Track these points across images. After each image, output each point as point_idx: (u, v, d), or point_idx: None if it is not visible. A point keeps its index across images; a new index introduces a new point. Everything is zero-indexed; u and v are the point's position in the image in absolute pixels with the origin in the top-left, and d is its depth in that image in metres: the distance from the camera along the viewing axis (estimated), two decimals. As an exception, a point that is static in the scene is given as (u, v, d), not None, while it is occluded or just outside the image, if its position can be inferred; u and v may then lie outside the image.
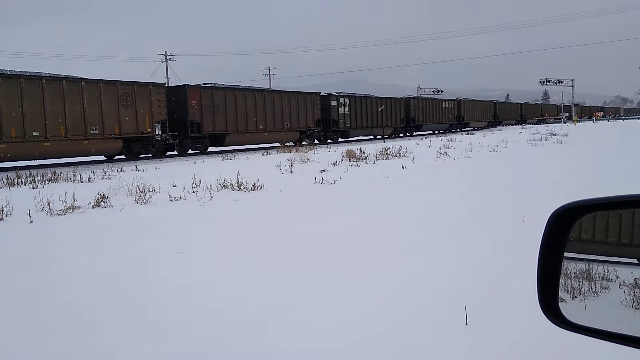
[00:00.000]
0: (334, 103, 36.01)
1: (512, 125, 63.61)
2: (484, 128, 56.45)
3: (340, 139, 36.82)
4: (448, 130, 50.73)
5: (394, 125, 42.79)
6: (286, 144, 29.12)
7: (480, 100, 63.13)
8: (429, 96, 54.37)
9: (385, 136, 40.92)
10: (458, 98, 56.45)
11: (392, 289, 4.14)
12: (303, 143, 27.97)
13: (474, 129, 53.72)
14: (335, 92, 37.32)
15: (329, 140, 35.53)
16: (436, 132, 48.20)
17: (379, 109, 39.55)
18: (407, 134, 44.81)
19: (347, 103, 37.10)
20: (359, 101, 38.45)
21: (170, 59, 64.02)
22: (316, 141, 33.59)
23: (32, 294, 4.37)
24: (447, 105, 51.85)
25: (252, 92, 29.99)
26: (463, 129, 52.47)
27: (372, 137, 40.30)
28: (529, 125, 58.04)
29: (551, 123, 64.03)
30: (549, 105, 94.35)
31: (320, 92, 36.39)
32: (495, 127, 59.05)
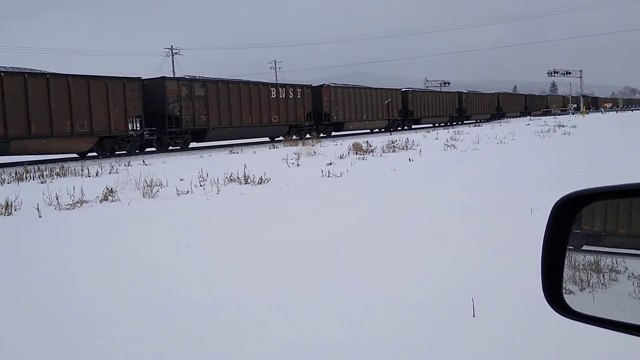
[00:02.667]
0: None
1: (516, 117, 62.59)
2: (487, 121, 55.47)
3: (333, 133, 34.59)
4: (449, 123, 49.39)
5: (391, 118, 40.47)
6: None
7: (483, 93, 61.91)
8: (429, 89, 53.05)
9: (382, 130, 39.62)
10: (459, 91, 55.48)
11: (399, 282, 4.15)
12: (293, 137, 27.19)
13: (476, 122, 52.79)
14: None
15: (321, 135, 32.43)
16: (436, 125, 47.02)
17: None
18: (405, 127, 42.90)
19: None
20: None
21: (176, 53, 64.09)
22: (307, 135, 31.23)
23: (42, 288, 4.41)
24: (447, 98, 50.29)
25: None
26: (465, 122, 51.40)
27: (368, 130, 38.80)
28: (535, 117, 57.58)
29: (558, 115, 63.43)
30: (555, 96, 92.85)
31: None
32: (498, 119, 58.01)
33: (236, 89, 28.24)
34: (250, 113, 28.77)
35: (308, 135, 30.78)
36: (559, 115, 62.85)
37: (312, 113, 33.15)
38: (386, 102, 38.96)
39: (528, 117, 57.52)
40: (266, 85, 30.87)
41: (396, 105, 40.99)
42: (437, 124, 47.85)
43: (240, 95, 28.25)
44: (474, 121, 53.80)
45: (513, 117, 61.57)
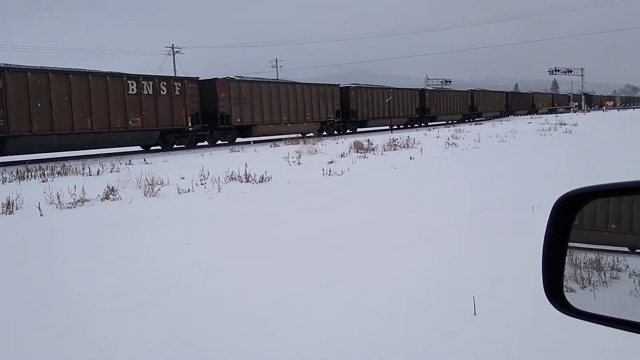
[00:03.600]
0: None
1: (523, 115, 63.80)
2: (497, 118, 56.83)
3: (358, 130, 37.67)
4: (462, 120, 51.51)
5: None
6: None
7: (493, 91, 63.75)
8: (443, 87, 55.32)
9: (401, 126, 43.38)
10: (471, 89, 57.18)
11: (399, 281, 4.15)
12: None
13: (486, 119, 54.19)
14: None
15: (348, 131, 36.54)
16: (450, 122, 48.77)
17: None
18: (422, 124, 45.84)
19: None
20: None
21: (177, 51, 64.07)
22: (335, 132, 34.82)
23: (43, 287, 4.42)
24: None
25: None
26: (476, 119, 53.03)
27: (388, 127, 41.27)
28: (538, 115, 58.19)
29: (560, 112, 63.77)
30: (559, 95, 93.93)
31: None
32: (507, 117, 59.27)
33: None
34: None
35: (336, 132, 34.79)
36: (561, 113, 63.23)
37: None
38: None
39: (530, 116, 57.55)
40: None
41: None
42: (450, 121, 49.04)
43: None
44: (484, 118, 55.22)
45: (520, 115, 62.65)
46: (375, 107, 39.17)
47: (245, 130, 28.96)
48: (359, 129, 37.70)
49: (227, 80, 28.14)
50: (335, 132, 34.91)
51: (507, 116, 59.94)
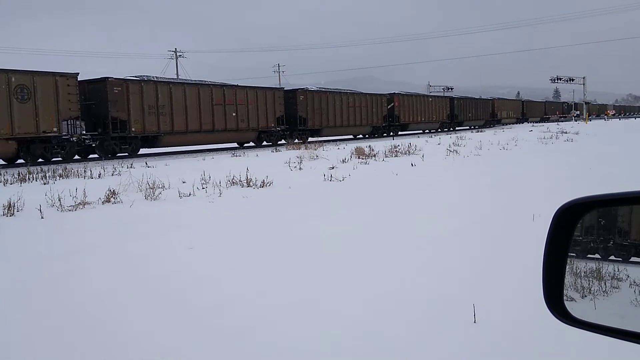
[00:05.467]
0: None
1: (512, 124, 61.97)
2: (481, 127, 53.93)
3: (310, 139, 32.35)
4: (439, 129, 47.85)
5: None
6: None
7: (477, 98, 60.51)
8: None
9: (367, 135, 39.70)
10: (450, 96, 56.27)
11: (398, 288, 4.14)
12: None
13: (470, 129, 51.19)
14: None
15: (296, 140, 29.22)
16: (426, 131, 45.50)
17: (388, 107, 39.27)
18: (391, 134, 40.67)
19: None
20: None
21: (180, 55, 64.26)
22: (282, 141, 30.90)
23: (43, 289, 4.42)
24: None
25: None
26: (457, 128, 50.09)
27: (351, 136, 38.68)
28: (530, 124, 58.41)
29: (561, 121, 63.67)
30: (553, 102, 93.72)
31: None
32: (492, 126, 56.62)
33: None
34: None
35: (282, 141, 31.80)
36: (561, 121, 63.29)
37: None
38: (389, 107, 39.35)
39: (531, 124, 57.48)
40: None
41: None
42: (425, 131, 46.06)
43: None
44: (467, 127, 52.96)
45: (509, 124, 61.10)
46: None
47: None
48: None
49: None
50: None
51: (492, 125, 57.37)
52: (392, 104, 41.34)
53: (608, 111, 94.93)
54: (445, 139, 26.59)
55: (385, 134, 40.91)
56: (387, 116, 41.01)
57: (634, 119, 70.79)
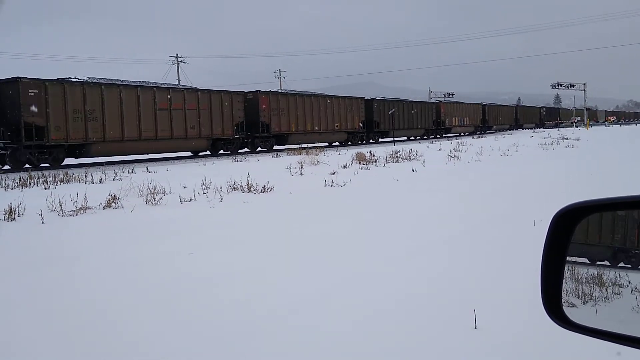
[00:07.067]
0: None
1: (505, 130, 60.97)
2: (471, 134, 53.00)
3: (380, 140, 39.58)
4: (423, 137, 46.38)
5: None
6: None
7: (466, 103, 58.53)
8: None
9: (418, 137, 45.27)
10: (437, 100, 58.41)
11: (400, 293, 4.14)
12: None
13: (460, 134, 51.07)
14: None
15: (371, 141, 38.68)
16: (411, 138, 44.47)
17: (389, 112, 39.45)
18: (438, 136, 48.53)
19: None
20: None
21: (181, 61, 64.38)
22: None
23: (48, 294, 4.42)
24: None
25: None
26: (444, 135, 49.81)
27: (412, 137, 44.30)
28: (523, 130, 58.35)
29: (558, 127, 63.51)
30: (551, 108, 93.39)
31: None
32: (483, 132, 55.67)
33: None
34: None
35: (360, 142, 36.93)
36: (559, 127, 63.31)
37: (365, 121, 38.68)
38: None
39: (533, 131, 57.31)
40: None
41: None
42: (410, 137, 44.89)
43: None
44: (456, 134, 51.99)
45: (502, 130, 60.24)
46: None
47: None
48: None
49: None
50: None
51: (484, 132, 56.31)
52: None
53: (609, 117, 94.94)
54: (446, 144, 26.60)
55: (432, 136, 46.99)
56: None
57: (634, 125, 70.72)
